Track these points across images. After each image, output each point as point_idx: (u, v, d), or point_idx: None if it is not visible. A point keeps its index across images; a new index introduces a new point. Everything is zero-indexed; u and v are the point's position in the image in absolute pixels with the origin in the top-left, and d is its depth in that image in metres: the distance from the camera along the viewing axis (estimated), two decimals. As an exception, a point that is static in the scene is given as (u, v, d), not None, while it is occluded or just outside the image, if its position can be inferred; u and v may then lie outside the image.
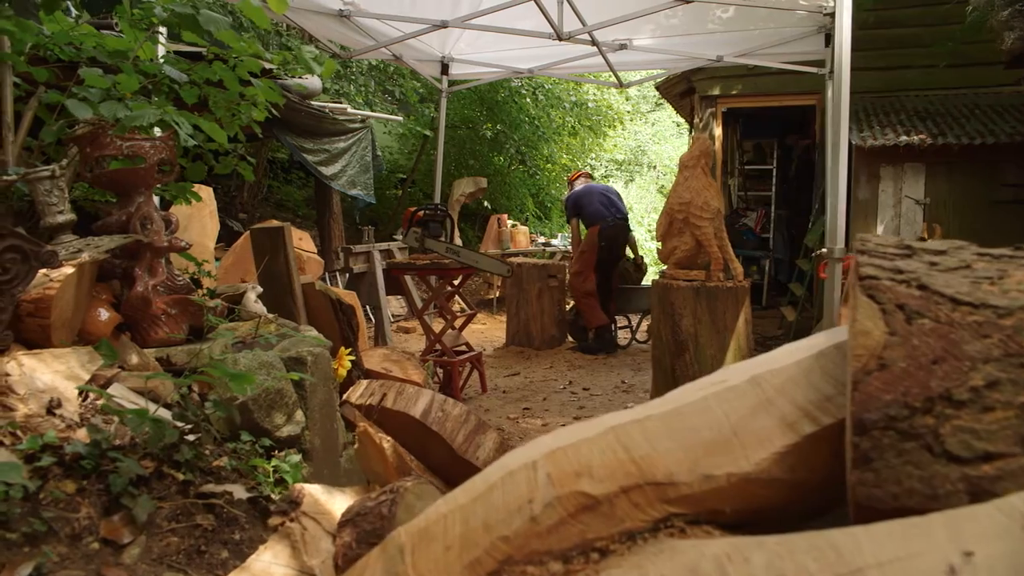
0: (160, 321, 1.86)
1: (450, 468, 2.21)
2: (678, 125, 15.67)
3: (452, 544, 0.63)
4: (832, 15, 4.31)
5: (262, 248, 2.46)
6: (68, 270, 1.59)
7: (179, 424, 1.37)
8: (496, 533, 0.63)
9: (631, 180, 13.54)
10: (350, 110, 5.77)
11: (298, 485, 0.98)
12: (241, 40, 2.03)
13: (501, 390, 4.82)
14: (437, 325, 4.81)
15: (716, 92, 6.65)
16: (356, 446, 1.22)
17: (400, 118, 6.78)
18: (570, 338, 6.10)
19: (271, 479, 1.52)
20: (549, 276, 5.79)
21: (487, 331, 7.10)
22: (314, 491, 1.01)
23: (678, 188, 4.11)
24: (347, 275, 5.53)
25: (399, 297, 7.12)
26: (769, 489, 0.71)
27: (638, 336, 6.45)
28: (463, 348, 4.67)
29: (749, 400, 0.75)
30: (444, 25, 4.70)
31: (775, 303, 7.43)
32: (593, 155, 10.86)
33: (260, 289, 2.28)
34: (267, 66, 2.52)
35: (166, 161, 1.95)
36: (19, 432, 1.19)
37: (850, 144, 5.36)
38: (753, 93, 6.53)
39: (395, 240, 6.35)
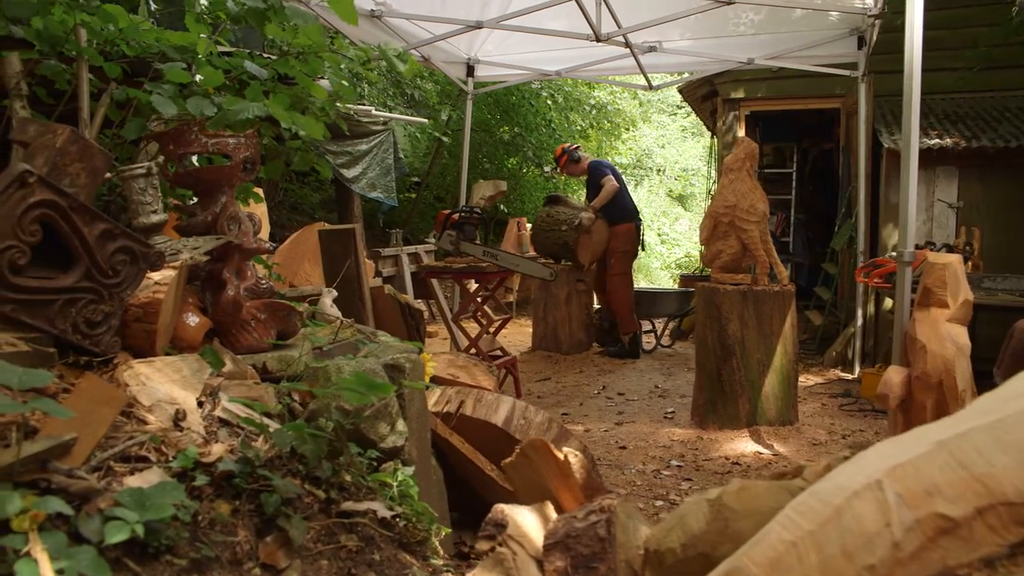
0: (250, 326, 1.78)
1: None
2: (683, 129, 15.68)
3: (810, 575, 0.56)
4: (873, 16, 4.30)
5: (332, 251, 2.37)
6: (171, 272, 1.51)
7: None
8: (860, 562, 0.56)
9: (639, 183, 13.54)
10: (374, 112, 5.69)
11: (499, 506, 0.90)
12: (329, 36, 1.95)
13: (536, 395, 4.75)
14: (469, 329, 4.72)
15: (740, 95, 6.61)
16: (514, 459, 1.14)
17: (424, 120, 6.70)
18: (596, 343, 6.03)
19: (395, 494, 1.44)
20: (578, 280, 5.72)
21: (509, 335, 7.01)
22: (511, 512, 0.93)
23: (723, 191, 4.06)
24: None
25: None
26: (1117, 511, 0.64)
27: (663, 341, 6.39)
28: (498, 352, 4.58)
29: (1073, 412, 0.68)
30: (479, 26, 4.63)
31: (796, 307, 7.37)
32: (608, 158, 10.82)
33: (335, 293, 2.20)
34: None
35: (250, 159, 1.87)
36: (162, 447, 1.10)
37: (881, 147, 5.34)
38: (777, 96, 6.50)
39: (423, 244, 6.26)
